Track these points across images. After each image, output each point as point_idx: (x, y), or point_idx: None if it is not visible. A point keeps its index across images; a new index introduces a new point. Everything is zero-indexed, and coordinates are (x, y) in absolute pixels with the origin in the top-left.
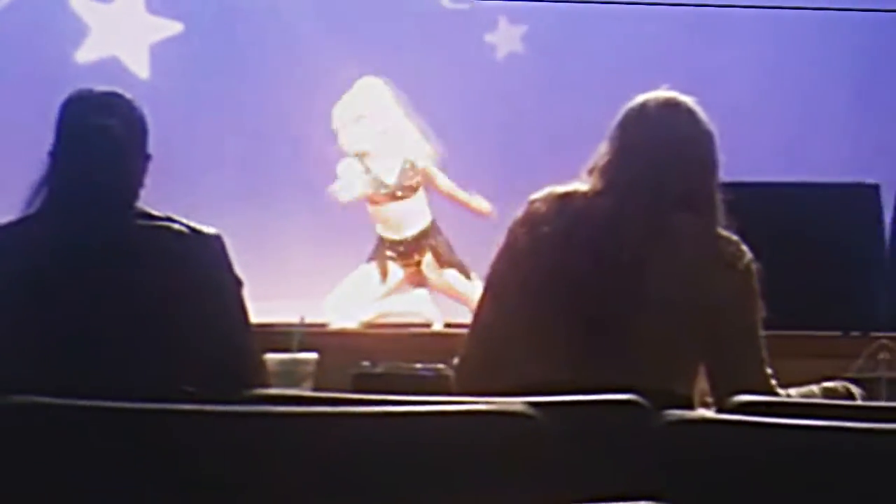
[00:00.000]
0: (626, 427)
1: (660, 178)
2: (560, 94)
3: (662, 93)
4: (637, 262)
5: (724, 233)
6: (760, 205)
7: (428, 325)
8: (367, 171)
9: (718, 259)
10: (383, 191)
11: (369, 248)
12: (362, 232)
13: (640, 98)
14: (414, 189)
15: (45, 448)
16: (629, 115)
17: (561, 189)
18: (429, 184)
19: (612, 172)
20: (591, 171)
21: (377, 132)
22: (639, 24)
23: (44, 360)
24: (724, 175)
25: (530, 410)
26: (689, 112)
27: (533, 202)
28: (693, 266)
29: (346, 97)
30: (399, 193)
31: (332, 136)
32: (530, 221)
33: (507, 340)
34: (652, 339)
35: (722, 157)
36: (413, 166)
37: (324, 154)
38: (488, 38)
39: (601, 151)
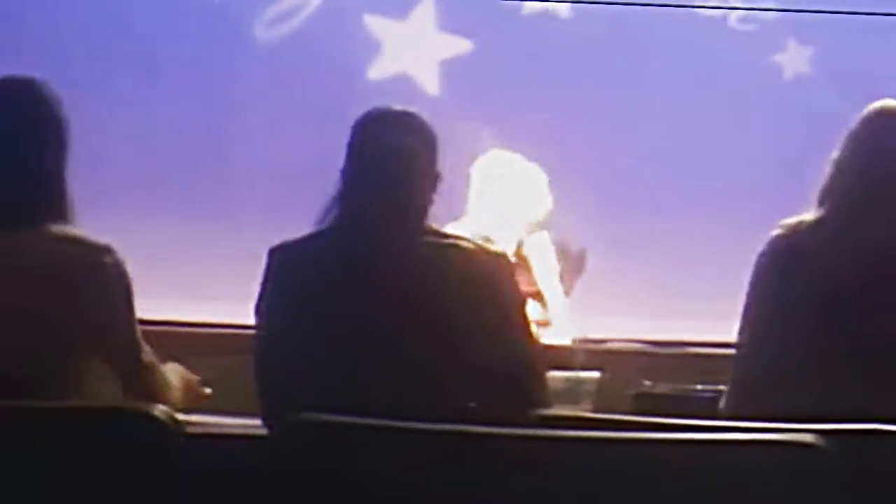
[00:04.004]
0: None
1: None
2: (849, 117)
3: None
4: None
5: None
6: None
7: (710, 345)
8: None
9: None
10: None
11: None
12: None
13: (877, 105)
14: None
15: (331, 467)
16: (870, 123)
17: (806, 217)
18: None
19: (864, 189)
20: (829, 191)
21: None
22: None
23: (335, 376)
24: None
25: (818, 441)
26: None
27: (779, 237)
28: None
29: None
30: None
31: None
32: (784, 253)
33: (778, 367)
34: None
35: None
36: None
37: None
38: (776, 58)
39: (842, 166)
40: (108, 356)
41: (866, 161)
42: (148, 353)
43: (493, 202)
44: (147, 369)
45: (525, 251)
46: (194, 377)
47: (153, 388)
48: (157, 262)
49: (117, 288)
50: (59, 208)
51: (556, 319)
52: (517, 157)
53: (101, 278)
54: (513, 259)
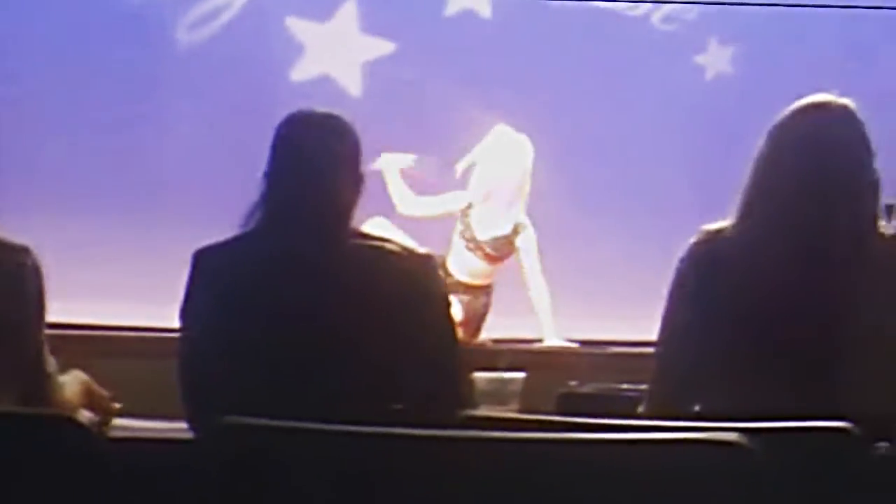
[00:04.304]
0: (836, 456)
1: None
2: (771, 116)
3: (818, 98)
4: (834, 282)
5: None
6: None
7: (633, 344)
8: (466, 214)
9: None
10: (467, 237)
11: None
12: None
13: (805, 101)
14: (496, 260)
15: (257, 470)
16: (793, 119)
17: (727, 222)
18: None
19: (791, 187)
20: (752, 191)
21: (499, 189)
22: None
23: (261, 379)
24: None
25: (742, 440)
26: (848, 118)
27: (699, 243)
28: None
29: (495, 142)
30: (486, 252)
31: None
32: (703, 259)
33: (695, 374)
34: (860, 357)
35: None
36: (509, 239)
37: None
38: (698, 59)
39: (766, 165)
40: (13, 361)
41: (793, 159)
42: (50, 363)
43: (494, 179)
44: (47, 379)
45: (518, 242)
46: (102, 391)
47: (50, 400)
48: (79, 263)
49: (32, 290)
50: None
51: (544, 318)
52: (519, 135)
53: (18, 280)
54: (508, 244)
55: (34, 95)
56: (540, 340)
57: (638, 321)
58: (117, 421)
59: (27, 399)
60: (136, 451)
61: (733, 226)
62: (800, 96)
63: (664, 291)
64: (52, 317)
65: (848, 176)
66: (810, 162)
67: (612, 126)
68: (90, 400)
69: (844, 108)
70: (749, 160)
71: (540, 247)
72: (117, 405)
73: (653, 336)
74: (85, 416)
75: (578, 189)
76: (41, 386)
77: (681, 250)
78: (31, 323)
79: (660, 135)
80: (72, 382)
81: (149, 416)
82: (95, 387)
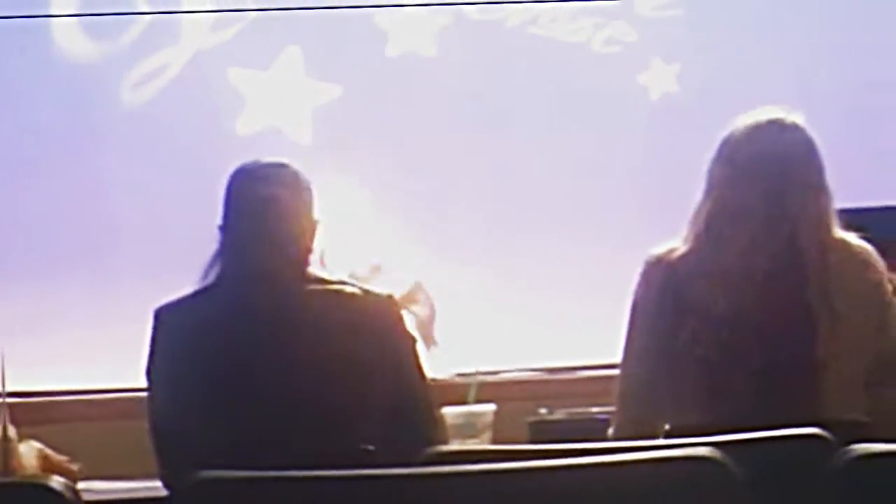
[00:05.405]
0: (810, 463)
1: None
2: (720, 133)
3: (770, 113)
4: (800, 296)
5: (863, 244)
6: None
7: (604, 367)
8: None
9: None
10: None
11: None
12: None
13: (747, 120)
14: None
15: None
16: (740, 141)
17: (679, 242)
18: None
19: (734, 209)
20: (703, 210)
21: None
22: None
23: (230, 432)
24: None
25: (717, 454)
26: (801, 132)
27: (651, 265)
28: (855, 284)
29: None
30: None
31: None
32: (661, 281)
33: (669, 384)
34: (828, 367)
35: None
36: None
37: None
38: (642, 79)
39: (718, 183)
40: None
41: (753, 178)
42: (10, 432)
43: None
44: (9, 449)
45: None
46: (59, 456)
47: (13, 469)
48: (33, 330)
49: None
50: None
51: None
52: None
53: None
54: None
55: None
56: (506, 371)
57: (602, 344)
58: (90, 484)
59: None
60: None
61: (690, 246)
62: (749, 108)
63: (624, 311)
64: (11, 385)
65: (808, 192)
66: (771, 181)
67: (562, 153)
68: (48, 466)
69: (796, 122)
70: (701, 176)
71: (496, 270)
72: (76, 466)
73: (618, 358)
74: (58, 481)
75: (529, 213)
76: (3, 456)
77: (635, 272)
78: None
79: (608, 158)
80: (28, 452)
81: (123, 478)
82: (50, 452)
